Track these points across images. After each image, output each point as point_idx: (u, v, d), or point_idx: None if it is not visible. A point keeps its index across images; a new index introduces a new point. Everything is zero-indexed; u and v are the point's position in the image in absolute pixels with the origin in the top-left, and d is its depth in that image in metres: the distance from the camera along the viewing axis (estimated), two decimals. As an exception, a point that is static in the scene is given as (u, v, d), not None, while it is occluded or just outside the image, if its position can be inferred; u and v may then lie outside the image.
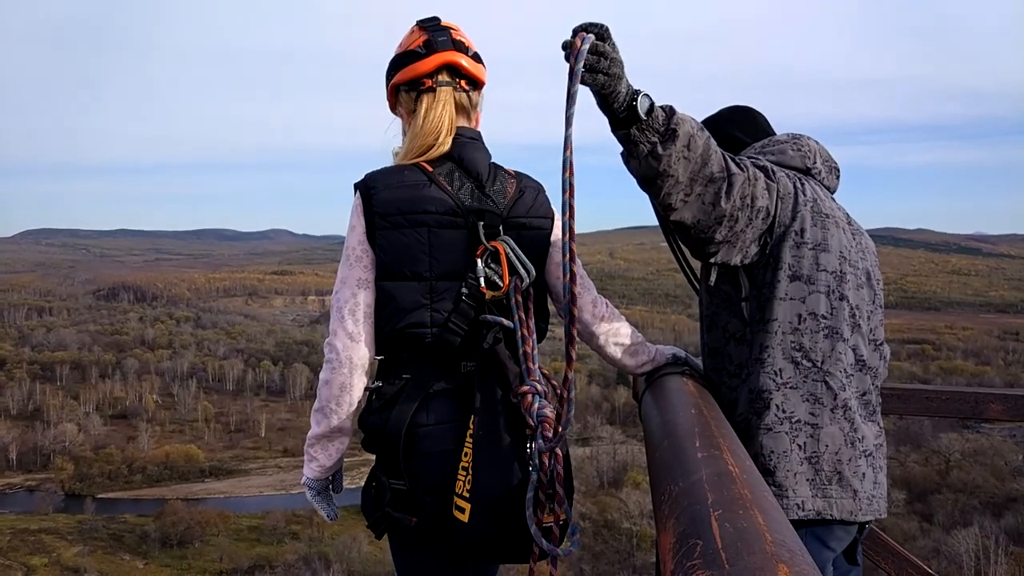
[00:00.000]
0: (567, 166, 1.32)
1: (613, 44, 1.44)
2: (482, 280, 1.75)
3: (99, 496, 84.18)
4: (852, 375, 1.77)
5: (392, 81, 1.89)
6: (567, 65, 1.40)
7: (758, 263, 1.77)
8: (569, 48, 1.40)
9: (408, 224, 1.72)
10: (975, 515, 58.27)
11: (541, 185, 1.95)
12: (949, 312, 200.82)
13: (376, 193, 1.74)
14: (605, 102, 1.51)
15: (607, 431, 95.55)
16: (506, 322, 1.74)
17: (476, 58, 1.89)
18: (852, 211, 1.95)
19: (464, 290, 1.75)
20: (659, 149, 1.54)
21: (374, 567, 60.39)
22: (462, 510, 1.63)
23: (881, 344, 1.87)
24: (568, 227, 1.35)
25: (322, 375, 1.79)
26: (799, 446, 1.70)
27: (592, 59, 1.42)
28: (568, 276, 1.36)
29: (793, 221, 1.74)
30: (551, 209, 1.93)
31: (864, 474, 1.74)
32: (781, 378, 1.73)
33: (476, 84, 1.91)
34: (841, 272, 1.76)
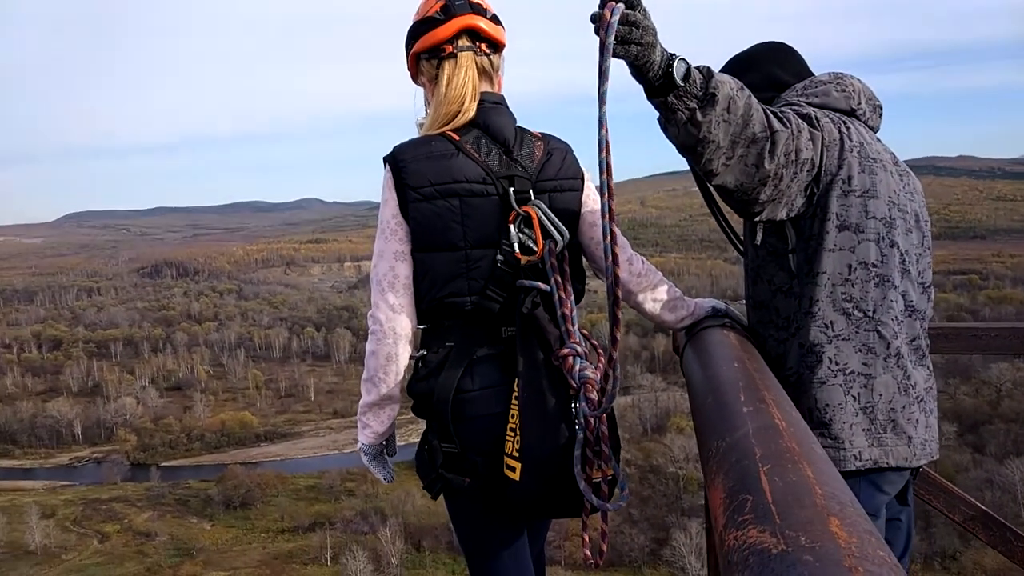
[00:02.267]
0: (603, 146, 1.29)
1: (644, 11, 1.37)
2: (516, 246, 1.76)
3: (162, 464, 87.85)
4: (903, 321, 1.74)
5: (412, 50, 1.87)
6: (597, 39, 1.33)
7: (804, 214, 1.72)
8: (598, 20, 1.33)
9: (439, 195, 1.73)
10: (1027, 444, 57.77)
11: (568, 146, 1.95)
12: (995, 240, 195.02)
13: (405, 166, 1.75)
14: (639, 72, 1.45)
15: (648, 379, 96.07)
16: (543, 286, 1.77)
17: (495, 20, 1.87)
18: (888, 141, 1.89)
19: (499, 257, 1.76)
20: (698, 115, 1.48)
21: (429, 519, 62.33)
22: (513, 469, 1.68)
23: (929, 287, 1.84)
24: (608, 208, 1.38)
25: (368, 346, 1.85)
26: (853, 397, 1.70)
27: (623, 30, 1.35)
28: (609, 237, 1.38)
29: (840, 169, 1.69)
30: (580, 169, 1.93)
31: (917, 420, 1.74)
32: (833, 330, 1.71)
33: (496, 47, 1.89)
34: (890, 218, 1.72)
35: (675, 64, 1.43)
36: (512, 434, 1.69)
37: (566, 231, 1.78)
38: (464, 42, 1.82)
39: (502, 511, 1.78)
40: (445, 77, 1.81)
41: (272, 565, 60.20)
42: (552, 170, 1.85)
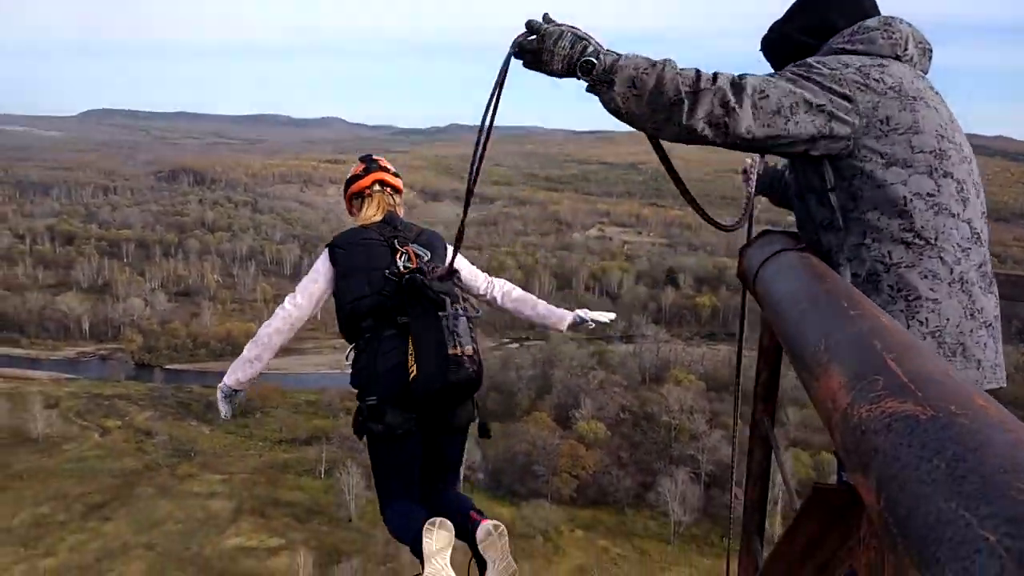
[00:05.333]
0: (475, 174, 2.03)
1: (543, 36, 1.71)
2: (401, 266, 2.84)
3: (167, 367, 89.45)
4: (968, 248, 1.76)
5: (348, 192, 3.15)
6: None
7: (843, 155, 1.76)
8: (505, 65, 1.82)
9: (354, 245, 2.88)
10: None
11: (438, 234, 3.09)
12: (1020, 224, 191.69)
13: (337, 238, 2.96)
14: (559, 73, 1.76)
15: (652, 330, 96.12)
16: (420, 253, 2.93)
17: (395, 175, 3.15)
18: None
19: (387, 271, 2.80)
20: (605, 95, 1.73)
21: (422, 445, 63.26)
22: (413, 370, 2.66)
23: (985, 215, 1.87)
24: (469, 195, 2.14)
25: (270, 319, 2.86)
26: (920, 322, 1.72)
27: (526, 58, 1.75)
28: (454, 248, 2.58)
29: (874, 113, 1.73)
30: (445, 243, 3.04)
31: (986, 344, 1.76)
32: (891, 259, 1.74)
33: (397, 190, 3.15)
34: (940, 150, 1.75)
35: (579, 63, 1.72)
36: (411, 359, 2.68)
37: (429, 253, 2.93)
38: (376, 188, 3.09)
39: (400, 444, 2.76)
40: (365, 206, 3.08)
41: (267, 473, 61.74)
42: (424, 239, 3.00)
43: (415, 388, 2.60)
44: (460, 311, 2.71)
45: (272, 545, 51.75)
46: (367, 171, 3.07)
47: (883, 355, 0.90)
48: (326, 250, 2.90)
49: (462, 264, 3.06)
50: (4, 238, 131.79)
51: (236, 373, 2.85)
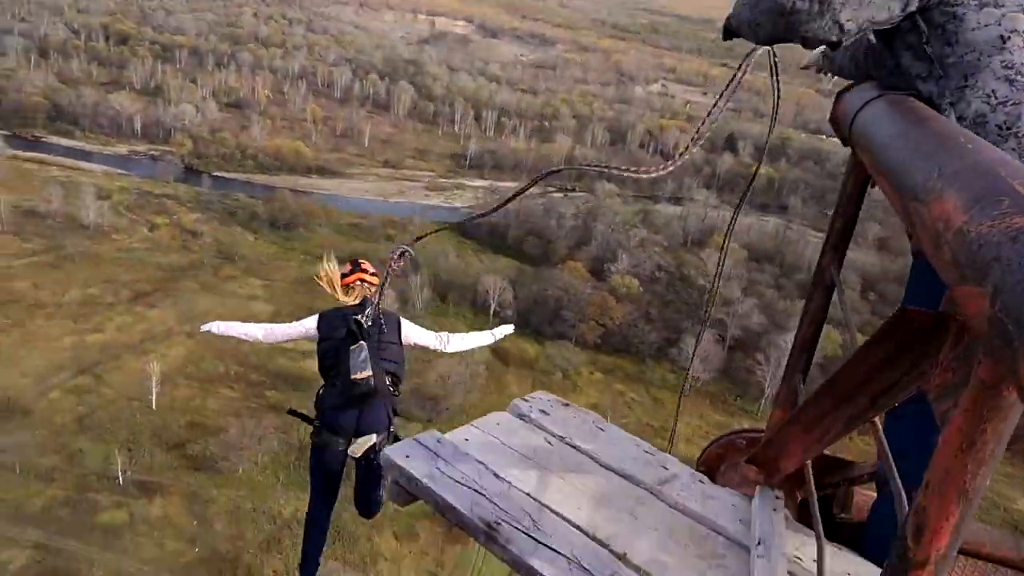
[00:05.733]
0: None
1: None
2: (359, 323, 4.02)
3: (215, 174, 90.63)
4: None
5: (341, 283, 4.29)
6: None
7: (933, 4, 1.76)
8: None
9: (334, 318, 4.12)
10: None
11: (397, 314, 4.38)
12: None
13: (323, 313, 4.23)
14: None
15: (702, 194, 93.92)
16: (366, 315, 4.10)
17: (373, 274, 4.35)
18: None
19: (344, 339, 3.99)
20: (733, 17, 2.01)
21: (458, 276, 64.60)
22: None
23: None
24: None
25: (271, 325, 4.50)
26: None
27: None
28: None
29: None
30: (398, 317, 4.33)
31: None
32: (997, 98, 1.72)
33: (372, 284, 4.32)
34: None
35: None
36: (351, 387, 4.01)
37: (371, 310, 4.09)
38: (358, 283, 4.31)
39: (331, 455, 4.09)
40: (349, 293, 4.28)
41: (307, 284, 62.95)
42: (379, 314, 4.13)
43: (341, 402, 3.98)
44: (365, 347, 3.94)
45: (307, 349, 54.11)
46: (352, 271, 4.34)
47: (1008, 180, 0.87)
48: (316, 317, 4.23)
49: (412, 330, 4.38)
50: (60, 31, 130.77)
51: (221, 327, 4.42)
